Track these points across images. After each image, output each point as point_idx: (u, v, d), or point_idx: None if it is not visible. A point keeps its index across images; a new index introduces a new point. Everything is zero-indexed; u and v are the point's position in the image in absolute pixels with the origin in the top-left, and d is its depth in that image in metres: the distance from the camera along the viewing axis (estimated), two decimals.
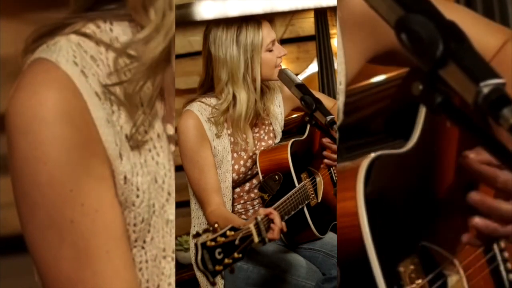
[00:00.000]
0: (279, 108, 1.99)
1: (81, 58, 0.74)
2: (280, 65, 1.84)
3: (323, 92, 2.69)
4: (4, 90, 1.28)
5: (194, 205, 1.90)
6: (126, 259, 0.76)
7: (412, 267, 0.82)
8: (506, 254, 0.93)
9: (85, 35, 0.77)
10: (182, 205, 2.08)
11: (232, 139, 1.85)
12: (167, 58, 0.78)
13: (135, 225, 0.78)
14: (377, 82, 0.94)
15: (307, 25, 3.12)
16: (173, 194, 0.82)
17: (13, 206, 1.30)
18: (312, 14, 2.92)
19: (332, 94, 2.75)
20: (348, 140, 0.90)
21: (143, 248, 0.80)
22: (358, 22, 0.86)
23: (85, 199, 0.72)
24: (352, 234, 0.80)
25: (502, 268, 0.93)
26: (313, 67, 2.92)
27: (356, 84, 0.91)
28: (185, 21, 0.80)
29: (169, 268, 0.83)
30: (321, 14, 2.77)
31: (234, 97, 1.79)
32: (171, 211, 0.82)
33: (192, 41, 2.95)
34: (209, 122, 1.81)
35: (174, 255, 0.83)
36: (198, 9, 0.79)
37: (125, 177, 0.76)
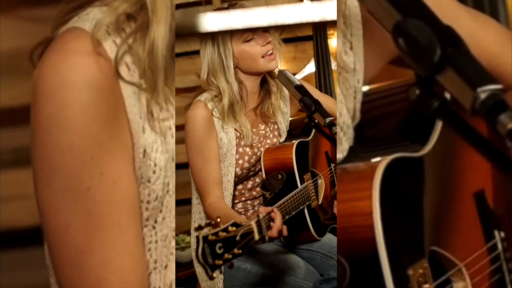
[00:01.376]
0: (285, 108, 1.99)
1: (114, 29, 0.75)
2: (271, 54, 1.82)
3: (320, 90, 2.68)
4: (4, 85, 1.28)
5: (195, 200, 1.90)
6: (136, 235, 0.76)
7: (421, 271, 0.82)
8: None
9: (115, 8, 0.77)
10: (178, 204, 2.08)
11: (238, 134, 1.85)
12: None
13: (148, 202, 0.77)
14: (397, 84, 0.94)
15: (304, 25, 3.12)
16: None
17: (12, 200, 1.30)
18: None
19: (329, 93, 2.74)
20: (363, 140, 0.90)
21: (154, 228, 0.79)
22: None
23: (104, 168, 0.71)
24: (364, 234, 0.80)
25: (507, 277, 0.93)
26: (310, 67, 2.92)
27: (375, 85, 0.91)
28: (190, 33, 0.80)
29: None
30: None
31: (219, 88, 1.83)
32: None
33: (190, 41, 2.95)
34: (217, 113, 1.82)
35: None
36: (202, 21, 0.79)
37: (144, 151, 0.76)
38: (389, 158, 0.81)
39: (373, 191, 0.78)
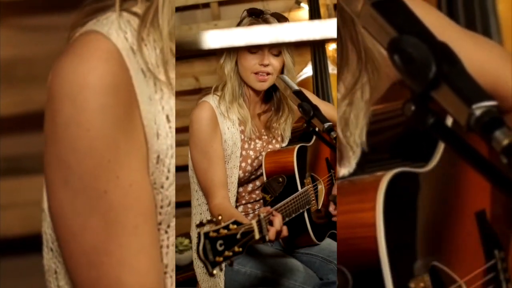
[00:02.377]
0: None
1: (132, 35, 0.75)
2: (263, 75, 1.82)
3: (317, 95, 2.68)
4: (13, 93, 1.28)
5: (195, 202, 1.90)
6: (153, 237, 0.76)
7: (422, 284, 0.82)
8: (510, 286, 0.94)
9: (136, 14, 0.78)
10: (176, 206, 2.08)
11: (243, 137, 1.86)
12: None
13: (161, 207, 0.78)
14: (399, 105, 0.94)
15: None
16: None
17: (12, 208, 1.31)
18: (306, 17, 2.92)
19: (326, 97, 2.75)
20: (368, 156, 0.90)
21: (166, 232, 0.80)
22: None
23: (120, 172, 0.72)
24: (366, 245, 0.80)
25: None
26: (308, 71, 2.93)
27: (381, 105, 0.91)
28: (192, 50, 0.81)
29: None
30: (316, 17, 2.77)
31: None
32: None
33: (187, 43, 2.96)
34: (222, 115, 1.82)
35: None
36: (204, 39, 0.80)
37: (158, 157, 0.76)
38: (393, 171, 0.81)
39: (377, 202, 0.79)
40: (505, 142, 0.59)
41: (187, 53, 0.82)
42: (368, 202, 0.80)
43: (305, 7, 3.00)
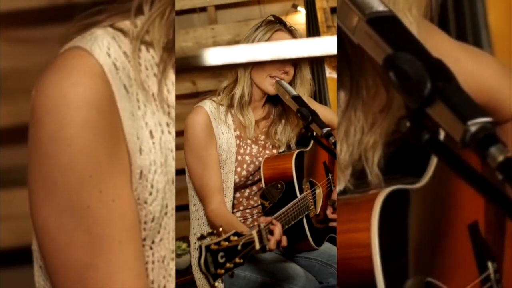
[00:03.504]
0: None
1: (114, 51, 0.76)
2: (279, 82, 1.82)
3: (314, 99, 2.68)
4: (4, 105, 1.28)
5: (193, 207, 1.90)
6: (137, 251, 0.77)
7: None
8: None
9: (121, 30, 0.78)
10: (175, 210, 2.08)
11: (238, 142, 1.86)
12: None
13: (145, 223, 0.78)
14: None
15: (298, 31, 3.12)
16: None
17: (3, 220, 1.31)
18: (303, 21, 2.92)
19: (323, 101, 2.75)
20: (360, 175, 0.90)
21: (151, 248, 0.80)
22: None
23: (103, 187, 0.72)
24: (362, 265, 0.80)
25: None
26: None
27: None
28: (194, 67, 0.82)
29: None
30: (313, 20, 2.77)
31: (236, 80, 1.84)
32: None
33: (184, 47, 2.95)
34: (218, 120, 1.82)
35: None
36: (206, 56, 0.81)
37: (141, 172, 0.76)
38: (387, 190, 0.82)
39: (371, 222, 0.79)
40: (500, 158, 0.59)
41: (187, 68, 0.82)
42: (363, 222, 0.80)
43: (302, 10, 3.00)
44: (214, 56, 0.78)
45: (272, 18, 1.89)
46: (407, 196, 0.86)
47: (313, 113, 1.66)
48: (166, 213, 0.80)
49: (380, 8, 0.68)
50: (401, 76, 0.64)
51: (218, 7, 3.14)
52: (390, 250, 0.80)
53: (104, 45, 0.75)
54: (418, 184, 0.88)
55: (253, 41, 1.84)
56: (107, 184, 0.73)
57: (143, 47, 0.79)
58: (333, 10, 3.14)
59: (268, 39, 1.82)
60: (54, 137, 0.71)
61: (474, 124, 0.61)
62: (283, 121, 1.95)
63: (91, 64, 0.73)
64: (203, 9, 3.16)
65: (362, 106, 0.85)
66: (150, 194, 0.78)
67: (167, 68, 0.79)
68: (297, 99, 1.73)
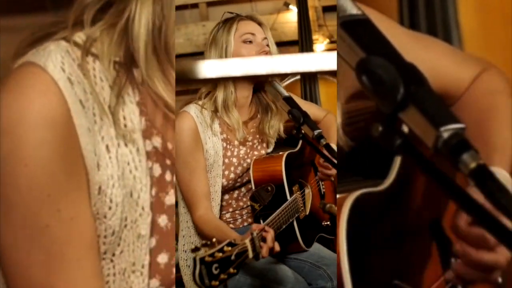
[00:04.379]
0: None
1: (69, 65, 0.75)
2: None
3: (305, 98, 2.68)
4: None
5: (182, 209, 1.90)
6: (96, 269, 0.77)
7: None
8: None
9: (74, 43, 0.77)
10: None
11: (225, 145, 1.85)
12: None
13: (105, 237, 0.78)
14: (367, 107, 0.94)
15: (290, 30, 3.11)
16: (147, 209, 0.82)
17: None
18: (295, 19, 2.91)
19: (314, 100, 2.74)
20: (346, 164, 0.90)
21: (112, 261, 0.80)
22: None
23: (62, 206, 0.72)
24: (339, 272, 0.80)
25: None
26: (295, 74, 2.92)
27: (350, 104, 0.91)
28: (188, 79, 0.81)
29: (138, 282, 0.83)
30: (304, 19, 2.76)
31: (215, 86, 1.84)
32: (143, 226, 0.82)
33: (175, 43, 2.95)
34: (203, 125, 1.81)
35: (145, 270, 0.83)
36: (200, 68, 0.80)
37: (99, 188, 0.76)
38: (354, 194, 0.81)
39: (339, 231, 0.78)
40: (473, 165, 0.58)
41: (181, 82, 0.81)
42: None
43: (293, 9, 2.99)
44: (208, 69, 0.78)
45: (229, 15, 1.90)
46: (374, 198, 0.86)
47: (305, 115, 1.65)
48: (125, 226, 0.80)
49: (354, 11, 0.67)
50: (374, 80, 0.63)
51: (210, 4, 3.14)
52: (358, 256, 0.79)
53: (58, 60, 0.74)
54: (382, 186, 0.87)
55: (222, 42, 1.84)
56: (65, 203, 0.72)
57: (95, 59, 0.78)
58: (325, 9, 3.14)
59: (236, 30, 1.84)
60: (11, 158, 0.70)
61: (447, 130, 0.60)
62: (269, 114, 1.94)
63: (45, 82, 0.72)
64: (194, 6, 3.16)
65: None
66: (110, 208, 0.78)
67: (124, 87, 0.79)
68: (289, 100, 1.71)
